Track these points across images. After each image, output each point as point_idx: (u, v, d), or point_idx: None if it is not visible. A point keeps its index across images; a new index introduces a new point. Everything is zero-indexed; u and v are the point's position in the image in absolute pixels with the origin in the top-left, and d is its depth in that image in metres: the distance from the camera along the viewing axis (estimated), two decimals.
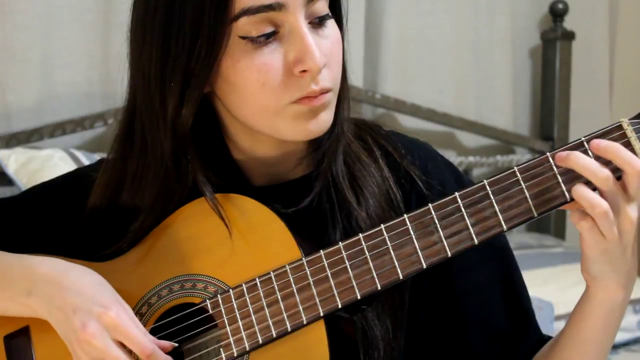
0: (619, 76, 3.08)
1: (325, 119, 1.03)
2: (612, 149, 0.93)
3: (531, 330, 1.13)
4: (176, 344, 1.02)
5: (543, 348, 1.11)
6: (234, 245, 1.03)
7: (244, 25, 0.98)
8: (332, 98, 1.03)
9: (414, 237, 0.97)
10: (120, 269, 1.06)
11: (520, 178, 0.95)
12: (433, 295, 1.10)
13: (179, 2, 0.98)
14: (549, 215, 2.80)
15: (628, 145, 0.93)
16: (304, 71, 0.98)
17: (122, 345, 0.99)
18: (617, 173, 0.94)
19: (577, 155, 0.93)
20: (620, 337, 2.34)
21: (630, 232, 0.95)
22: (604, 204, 0.92)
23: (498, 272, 1.13)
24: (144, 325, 1.03)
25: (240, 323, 1.00)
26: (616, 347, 2.34)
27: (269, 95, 1.00)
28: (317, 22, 1.01)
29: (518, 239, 2.65)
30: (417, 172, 1.12)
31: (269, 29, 0.99)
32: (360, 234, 0.98)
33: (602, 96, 3.01)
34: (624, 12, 3.07)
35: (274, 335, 0.99)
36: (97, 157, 1.99)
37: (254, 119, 1.03)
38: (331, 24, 1.03)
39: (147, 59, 1.02)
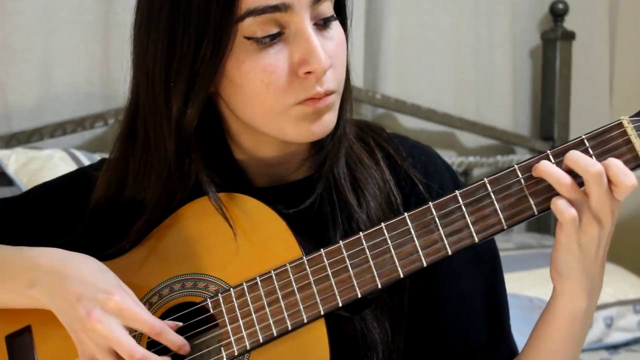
0: (619, 76, 3.08)
1: (329, 121, 1.03)
2: (609, 160, 0.92)
3: (504, 345, 1.13)
4: (180, 323, 1.03)
5: None
6: (235, 245, 1.03)
7: (250, 26, 0.98)
8: (336, 100, 1.03)
9: (414, 235, 0.97)
10: (122, 268, 1.06)
11: (520, 176, 0.95)
12: (417, 300, 1.10)
13: (185, 3, 0.98)
14: (550, 215, 2.77)
15: (628, 143, 0.93)
16: (309, 72, 0.98)
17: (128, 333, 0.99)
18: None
19: (542, 163, 0.94)
20: (621, 337, 2.35)
21: (607, 228, 0.95)
22: (568, 178, 0.93)
23: (483, 284, 1.12)
24: None
25: (241, 322, 1.00)
26: (616, 347, 2.34)
27: (274, 96, 1.00)
28: (322, 24, 1.01)
29: (518, 239, 2.65)
30: (418, 174, 1.12)
31: (274, 30, 0.98)
32: (360, 233, 0.98)
33: (602, 96, 3.01)
34: (624, 12, 3.08)
35: (275, 334, 0.99)
36: (97, 157, 1.99)
37: (258, 120, 1.03)
38: (336, 25, 1.03)
39: (152, 59, 1.02)
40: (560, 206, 0.94)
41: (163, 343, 1.01)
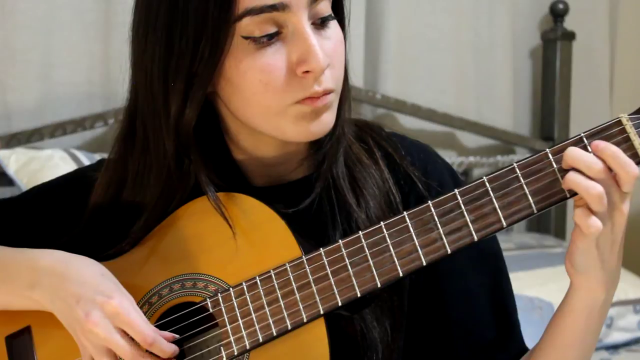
0: (619, 76, 3.08)
1: (327, 120, 1.03)
2: (608, 151, 0.92)
3: (514, 341, 1.13)
4: (177, 336, 1.02)
5: (523, 357, 1.10)
6: (235, 244, 1.03)
7: (247, 26, 0.98)
8: (334, 99, 1.03)
9: (413, 234, 0.97)
10: (121, 269, 1.06)
11: (519, 174, 0.95)
12: (421, 298, 1.10)
13: (182, 3, 0.98)
14: (549, 216, 2.80)
15: (627, 140, 0.93)
16: (307, 72, 0.98)
17: (126, 334, 0.99)
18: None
19: (571, 149, 0.93)
20: (621, 337, 2.35)
21: (621, 225, 0.95)
22: (598, 187, 0.92)
23: (488, 280, 1.12)
24: None
25: (240, 322, 1.01)
26: (616, 347, 2.34)
27: (272, 96, 1.00)
28: (319, 23, 1.01)
29: (518, 239, 2.65)
30: (417, 173, 1.12)
31: (272, 29, 0.99)
32: (360, 232, 0.98)
33: (602, 96, 3.01)
34: (624, 12, 3.08)
35: (274, 334, 0.99)
36: (97, 157, 1.99)
37: (257, 120, 1.03)
38: (334, 24, 1.03)
39: (150, 59, 1.02)
40: (585, 219, 0.92)
41: (155, 353, 1.00)
